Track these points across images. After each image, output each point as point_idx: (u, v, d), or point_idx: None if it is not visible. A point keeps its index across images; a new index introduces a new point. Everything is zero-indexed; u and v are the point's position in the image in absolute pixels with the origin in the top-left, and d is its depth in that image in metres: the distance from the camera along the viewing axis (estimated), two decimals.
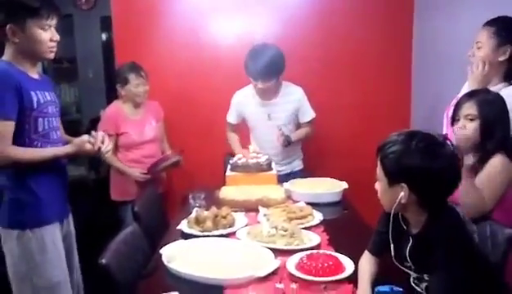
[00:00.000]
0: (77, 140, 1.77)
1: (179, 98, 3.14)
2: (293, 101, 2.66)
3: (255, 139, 2.75)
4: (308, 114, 2.71)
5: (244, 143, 2.75)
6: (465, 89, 2.01)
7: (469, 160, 1.59)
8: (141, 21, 3.12)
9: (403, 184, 1.21)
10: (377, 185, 1.30)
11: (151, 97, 2.77)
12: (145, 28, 3.13)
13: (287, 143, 2.58)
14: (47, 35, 1.70)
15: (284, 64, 2.57)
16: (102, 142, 1.78)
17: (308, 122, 2.73)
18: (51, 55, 1.76)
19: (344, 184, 2.34)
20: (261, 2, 3.12)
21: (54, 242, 1.76)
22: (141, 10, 3.11)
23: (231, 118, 2.79)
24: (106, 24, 3.92)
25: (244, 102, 2.72)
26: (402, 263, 1.33)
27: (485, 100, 1.67)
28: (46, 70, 4.78)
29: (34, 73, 1.77)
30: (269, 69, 2.50)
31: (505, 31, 1.81)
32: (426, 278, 1.28)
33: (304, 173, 2.73)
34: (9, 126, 1.61)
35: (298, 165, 2.82)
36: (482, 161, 1.63)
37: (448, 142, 1.24)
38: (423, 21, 3.03)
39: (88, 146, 1.74)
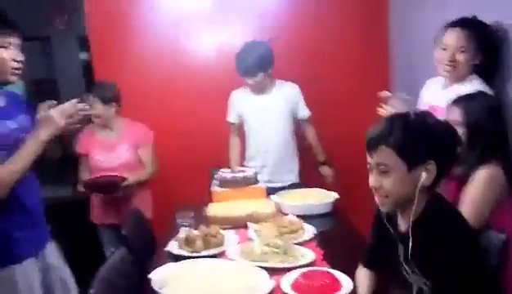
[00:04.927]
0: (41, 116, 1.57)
1: (161, 113, 3.04)
2: (288, 96, 2.68)
3: (251, 144, 2.74)
4: (305, 110, 2.73)
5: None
6: (430, 87, 2.01)
7: None
8: (119, 38, 3.05)
9: (431, 161, 1.12)
10: (386, 180, 1.16)
11: (131, 115, 2.68)
12: (124, 45, 3.06)
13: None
14: (9, 54, 1.56)
15: (271, 60, 2.60)
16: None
17: (307, 118, 2.73)
18: (14, 78, 1.59)
19: (335, 195, 2.30)
20: (237, 10, 3.08)
21: (28, 283, 1.57)
22: (117, 26, 3.04)
23: (231, 117, 2.80)
24: (85, 43, 3.86)
25: (241, 97, 2.74)
26: (402, 271, 1.28)
27: (469, 104, 1.58)
28: (28, 93, 4.67)
29: None
30: (253, 64, 2.54)
31: (480, 35, 1.79)
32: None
33: (297, 187, 2.60)
34: None
35: (291, 179, 2.72)
36: (466, 174, 1.53)
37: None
38: (398, 15, 3.03)
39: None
